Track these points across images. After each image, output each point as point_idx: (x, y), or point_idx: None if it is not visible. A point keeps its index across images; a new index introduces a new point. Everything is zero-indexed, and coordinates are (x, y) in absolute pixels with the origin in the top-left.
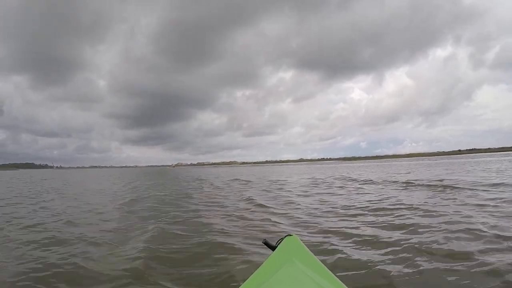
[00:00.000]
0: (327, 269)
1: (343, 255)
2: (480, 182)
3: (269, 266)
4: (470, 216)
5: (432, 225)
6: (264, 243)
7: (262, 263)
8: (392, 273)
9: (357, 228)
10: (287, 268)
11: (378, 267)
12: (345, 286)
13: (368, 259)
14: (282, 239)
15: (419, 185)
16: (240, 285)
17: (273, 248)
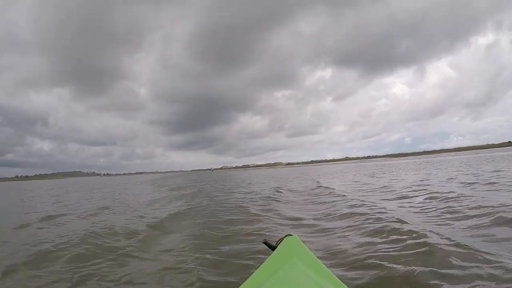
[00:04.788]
0: (327, 269)
1: None
2: None
3: (269, 266)
4: None
5: None
6: (264, 243)
7: (262, 263)
8: None
9: None
10: (287, 268)
11: None
12: (345, 286)
13: None
14: (282, 239)
15: None
16: (240, 285)
17: (273, 248)
